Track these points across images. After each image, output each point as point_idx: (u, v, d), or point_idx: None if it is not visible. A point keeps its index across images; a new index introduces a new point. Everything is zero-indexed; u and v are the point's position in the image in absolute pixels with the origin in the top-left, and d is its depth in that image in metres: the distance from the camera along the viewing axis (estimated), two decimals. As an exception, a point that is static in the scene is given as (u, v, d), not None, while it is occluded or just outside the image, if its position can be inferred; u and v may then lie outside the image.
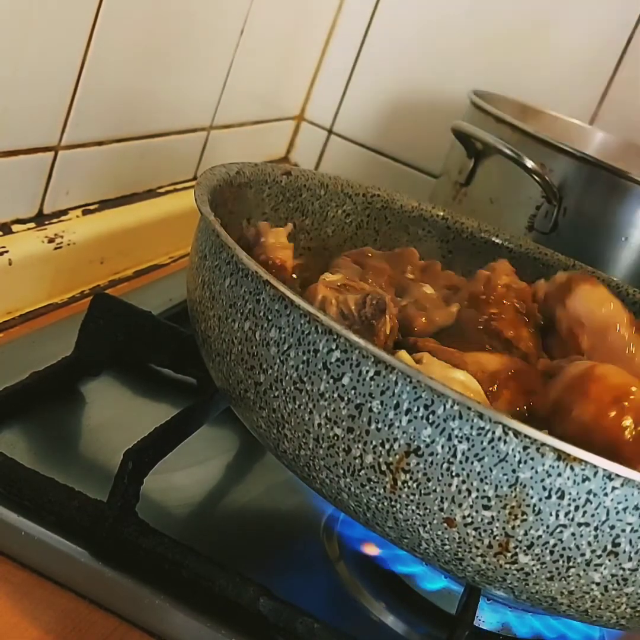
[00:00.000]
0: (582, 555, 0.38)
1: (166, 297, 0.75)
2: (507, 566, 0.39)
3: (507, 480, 0.37)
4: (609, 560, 0.38)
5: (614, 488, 0.37)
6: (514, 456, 0.37)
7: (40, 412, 0.56)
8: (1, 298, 0.65)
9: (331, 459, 0.41)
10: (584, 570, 0.38)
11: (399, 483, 0.39)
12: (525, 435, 0.36)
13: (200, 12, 0.80)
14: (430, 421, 0.38)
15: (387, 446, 0.39)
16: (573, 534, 0.37)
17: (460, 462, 0.38)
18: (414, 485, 0.39)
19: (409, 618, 0.50)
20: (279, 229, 0.53)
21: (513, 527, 0.38)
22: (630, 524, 0.37)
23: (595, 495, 0.37)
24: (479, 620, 0.51)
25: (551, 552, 0.38)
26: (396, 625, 0.50)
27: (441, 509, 0.39)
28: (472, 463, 0.37)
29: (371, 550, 0.53)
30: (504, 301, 0.55)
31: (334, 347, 0.39)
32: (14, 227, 0.66)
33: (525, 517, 0.38)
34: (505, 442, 0.37)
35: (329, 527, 0.55)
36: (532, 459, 0.37)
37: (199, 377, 0.64)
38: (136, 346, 0.62)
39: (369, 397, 0.39)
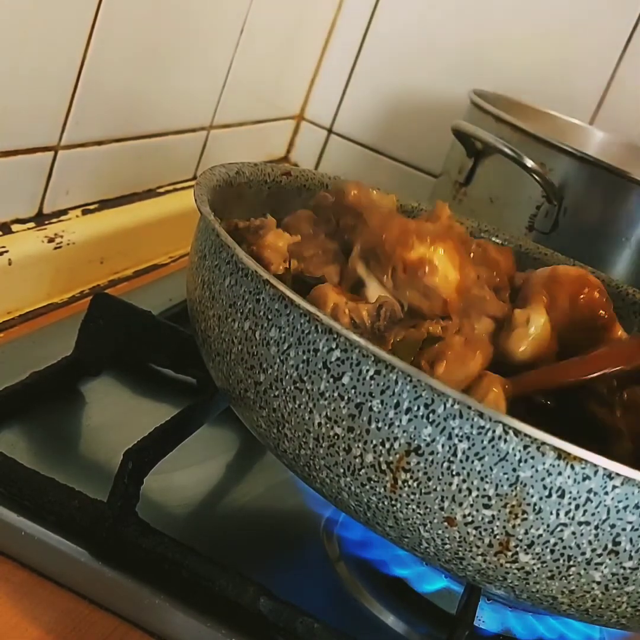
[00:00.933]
0: (583, 554, 0.38)
1: (166, 297, 0.75)
2: (508, 565, 0.39)
3: (507, 479, 0.37)
4: (610, 559, 0.38)
5: (614, 487, 0.37)
6: (514, 455, 0.37)
7: (40, 412, 0.56)
8: (1, 298, 0.65)
9: (331, 459, 0.41)
10: (585, 569, 0.38)
11: (399, 482, 0.39)
12: (526, 434, 0.36)
13: (200, 12, 0.80)
14: (430, 420, 0.38)
15: (387, 445, 0.39)
16: (573, 533, 0.37)
17: (461, 461, 0.38)
18: (415, 484, 0.39)
19: (409, 618, 0.50)
20: (285, 235, 0.53)
21: (513, 526, 0.38)
22: (630, 522, 0.37)
23: (595, 494, 0.37)
24: (479, 620, 0.51)
25: (552, 551, 0.38)
26: (396, 625, 0.50)
27: (441, 508, 0.39)
28: (472, 462, 0.37)
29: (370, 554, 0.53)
30: None
31: (334, 346, 0.39)
32: (14, 227, 0.66)
33: (525, 516, 0.38)
34: (505, 441, 0.37)
35: (328, 527, 0.55)
36: (532, 457, 0.37)
37: (199, 377, 0.64)
38: (136, 346, 0.62)
39: (369, 396, 0.39)
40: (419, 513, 0.39)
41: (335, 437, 0.40)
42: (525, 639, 0.51)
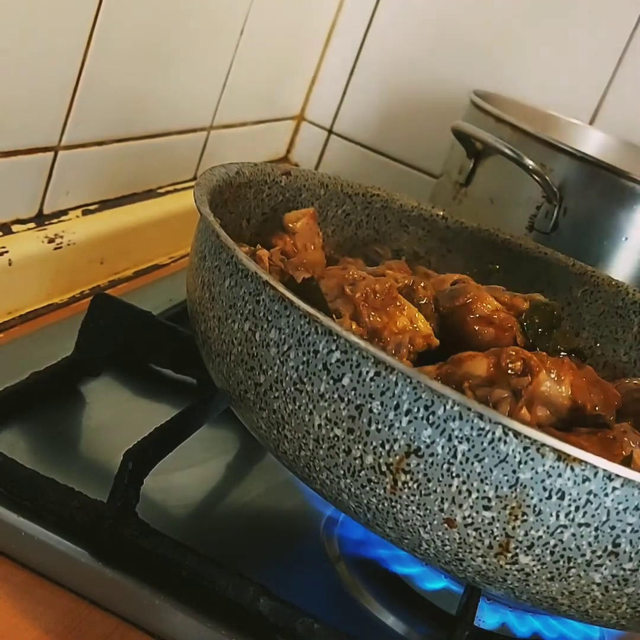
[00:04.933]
0: (583, 555, 0.38)
1: (166, 297, 0.75)
2: (508, 567, 0.39)
3: (507, 480, 0.37)
4: (610, 560, 0.38)
5: (614, 488, 0.37)
6: (514, 457, 0.37)
7: (40, 412, 0.56)
8: (1, 298, 0.65)
9: (331, 460, 0.41)
10: (585, 571, 0.38)
11: (399, 484, 0.39)
12: (525, 436, 0.36)
13: (200, 12, 0.80)
14: (430, 422, 0.38)
15: (387, 447, 0.39)
16: (573, 535, 0.37)
17: (461, 463, 0.38)
18: (414, 485, 0.39)
19: (409, 618, 0.50)
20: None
21: (513, 528, 0.38)
22: (630, 524, 0.37)
23: (595, 495, 0.37)
24: (479, 620, 0.51)
25: (552, 553, 0.38)
26: (396, 625, 0.50)
27: (441, 510, 0.39)
28: (472, 464, 0.37)
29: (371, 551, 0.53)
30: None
31: (334, 347, 0.39)
32: (14, 227, 0.66)
33: (525, 517, 0.38)
34: (505, 442, 0.37)
35: (328, 528, 0.55)
36: (532, 459, 0.37)
37: (199, 377, 0.64)
38: (136, 346, 0.62)
39: (369, 397, 0.39)
40: (419, 514, 0.39)
41: (335, 438, 0.40)
42: (525, 638, 0.51)
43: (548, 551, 0.38)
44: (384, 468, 0.39)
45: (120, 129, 0.75)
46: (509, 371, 0.47)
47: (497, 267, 0.70)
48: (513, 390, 0.46)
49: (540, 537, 0.38)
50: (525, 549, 0.38)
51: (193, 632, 0.45)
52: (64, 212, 0.72)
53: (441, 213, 0.69)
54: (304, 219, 0.59)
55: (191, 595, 0.45)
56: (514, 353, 0.48)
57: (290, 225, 0.59)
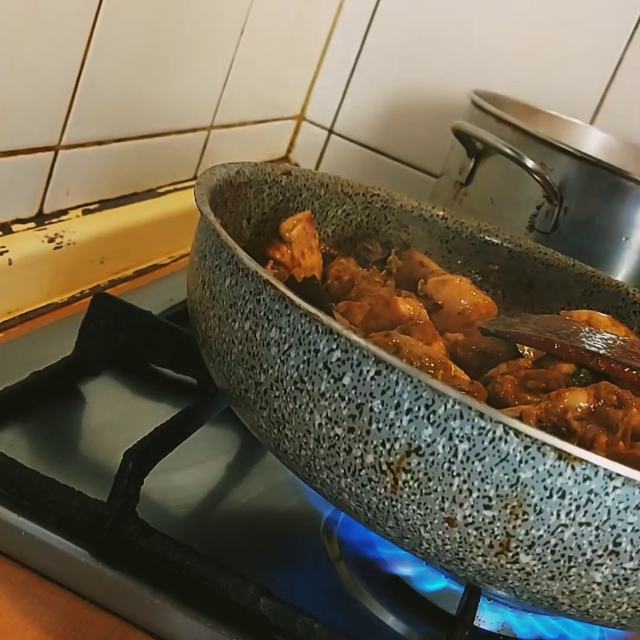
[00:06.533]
0: (583, 554, 0.38)
1: (166, 297, 0.75)
2: (508, 566, 0.39)
3: (508, 479, 0.37)
4: (610, 559, 0.38)
5: (614, 487, 0.37)
6: (515, 456, 0.37)
7: (40, 412, 0.56)
8: (1, 298, 0.65)
9: (332, 459, 0.41)
10: (585, 570, 0.38)
11: (400, 483, 0.39)
12: (526, 435, 0.36)
13: (200, 12, 0.80)
14: (431, 421, 0.38)
15: (388, 446, 0.39)
16: (574, 534, 0.37)
17: (461, 462, 0.38)
18: (415, 485, 0.39)
19: (409, 618, 0.50)
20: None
21: (514, 527, 0.38)
22: (631, 523, 0.37)
23: (596, 494, 0.37)
24: (479, 620, 0.51)
25: (552, 552, 0.38)
26: (396, 625, 0.50)
27: (442, 509, 0.39)
28: (473, 463, 0.37)
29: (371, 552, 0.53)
30: None
31: (334, 346, 0.39)
32: (14, 227, 0.66)
33: (526, 516, 0.38)
34: (506, 441, 0.37)
35: (328, 527, 0.55)
36: (533, 458, 0.37)
37: (199, 377, 0.64)
38: (136, 346, 0.62)
39: (369, 396, 0.39)
40: (420, 514, 0.39)
41: (336, 437, 0.40)
42: (525, 638, 0.51)
43: (549, 550, 0.38)
44: (384, 467, 0.39)
45: (120, 128, 0.75)
46: (606, 404, 0.49)
47: (497, 267, 0.70)
48: (607, 424, 0.48)
49: (540, 536, 0.38)
50: (526, 548, 0.38)
51: (193, 632, 0.44)
52: (64, 212, 0.72)
53: (441, 213, 0.69)
54: (300, 225, 0.60)
55: (191, 595, 0.45)
56: (608, 386, 0.50)
57: (287, 234, 0.59)
